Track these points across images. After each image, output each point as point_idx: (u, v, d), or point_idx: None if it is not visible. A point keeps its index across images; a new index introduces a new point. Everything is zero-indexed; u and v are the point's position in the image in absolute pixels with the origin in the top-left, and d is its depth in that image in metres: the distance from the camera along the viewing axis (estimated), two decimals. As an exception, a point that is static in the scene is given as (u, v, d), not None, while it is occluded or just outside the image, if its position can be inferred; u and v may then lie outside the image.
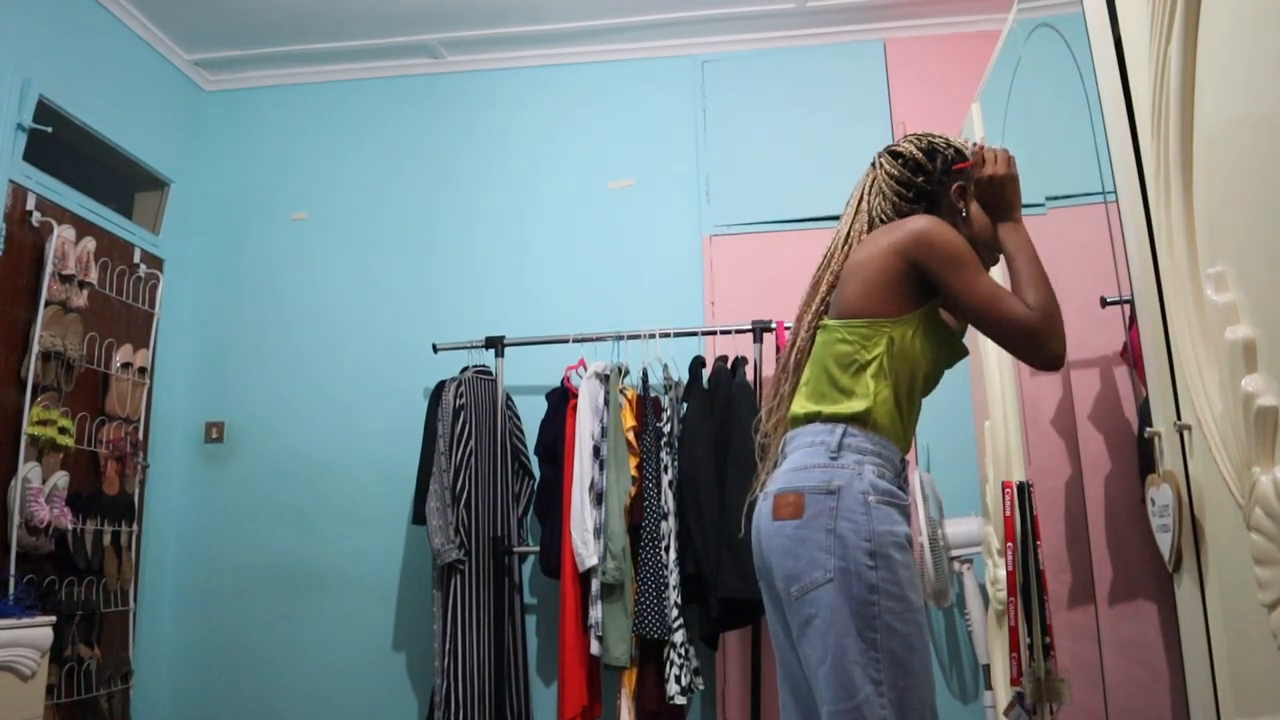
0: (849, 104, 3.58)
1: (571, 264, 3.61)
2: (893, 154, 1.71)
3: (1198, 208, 1.26)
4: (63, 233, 2.94)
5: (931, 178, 1.67)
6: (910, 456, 3.19)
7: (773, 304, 3.21)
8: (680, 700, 2.83)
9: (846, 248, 1.66)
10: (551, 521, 3.13)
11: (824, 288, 1.67)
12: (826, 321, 1.61)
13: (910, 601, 1.44)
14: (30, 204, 2.87)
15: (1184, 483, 1.33)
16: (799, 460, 1.54)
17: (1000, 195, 1.62)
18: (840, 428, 1.52)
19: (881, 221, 1.66)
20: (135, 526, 3.24)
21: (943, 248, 1.52)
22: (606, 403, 3.05)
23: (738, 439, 2.84)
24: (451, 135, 3.78)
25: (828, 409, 1.55)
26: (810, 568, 1.45)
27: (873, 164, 1.74)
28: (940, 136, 1.72)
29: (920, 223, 1.56)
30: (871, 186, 1.71)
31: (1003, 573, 2.22)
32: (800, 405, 1.60)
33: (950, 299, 1.54)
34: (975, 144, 1.71)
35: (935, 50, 3.59)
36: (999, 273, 1.75)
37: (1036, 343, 1.47)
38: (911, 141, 1.71)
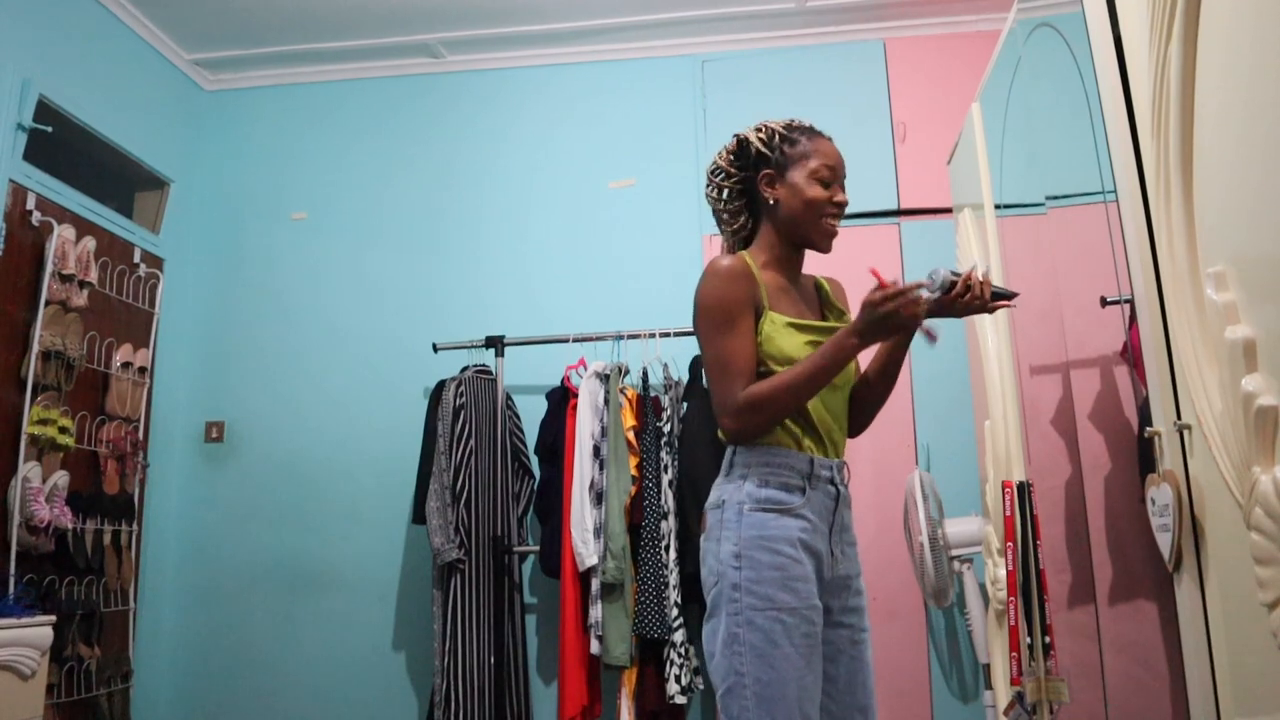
0: (849, 104, 3.58)
1: (571, 264, 3.61)
2: (710, 168, 1.76)
3: (1198, 207, 1.26)
4: (63, 232, 2.93)
5: (740, 177, 1.72)
6: (911, 457, 3.20)
7: (773, 304, 3.20)
8: (680, 700, 2.83)
9: None
10: (551, 521, 3.13)
11: None
12: None
13: (774, 600, 1.52)
14: (30, 203, 2.87)
15: (1184, 482, 1.33)
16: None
17: (874, 318, 1.50)
18: (731, 449, 1.65)
19: (726, 236, 1.77)
20: (135, 526, 3.24)
21: (699, 305, 1.61)
22: (606, 402, 3.05)
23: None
24: (452, 135, 3.78)
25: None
26: (708, 575, 1.60)
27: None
28: (761, 126, 1.71)
29: (703, 274, 1.63)
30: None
31: (1003, 572, 2.22)
32: None
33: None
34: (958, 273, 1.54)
35: (935, 50, 3.59)
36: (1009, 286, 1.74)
37: (720, 415, 1.58)
38: (724, 147, 1.75)
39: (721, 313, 1.58)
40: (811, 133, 1.69)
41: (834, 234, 1.67)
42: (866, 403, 1.73)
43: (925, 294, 1.49)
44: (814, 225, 1.65)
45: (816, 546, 1.58)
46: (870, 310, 1.49)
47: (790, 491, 1.58)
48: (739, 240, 1.75)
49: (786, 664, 1.49)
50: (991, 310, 1.56)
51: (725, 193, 1.73)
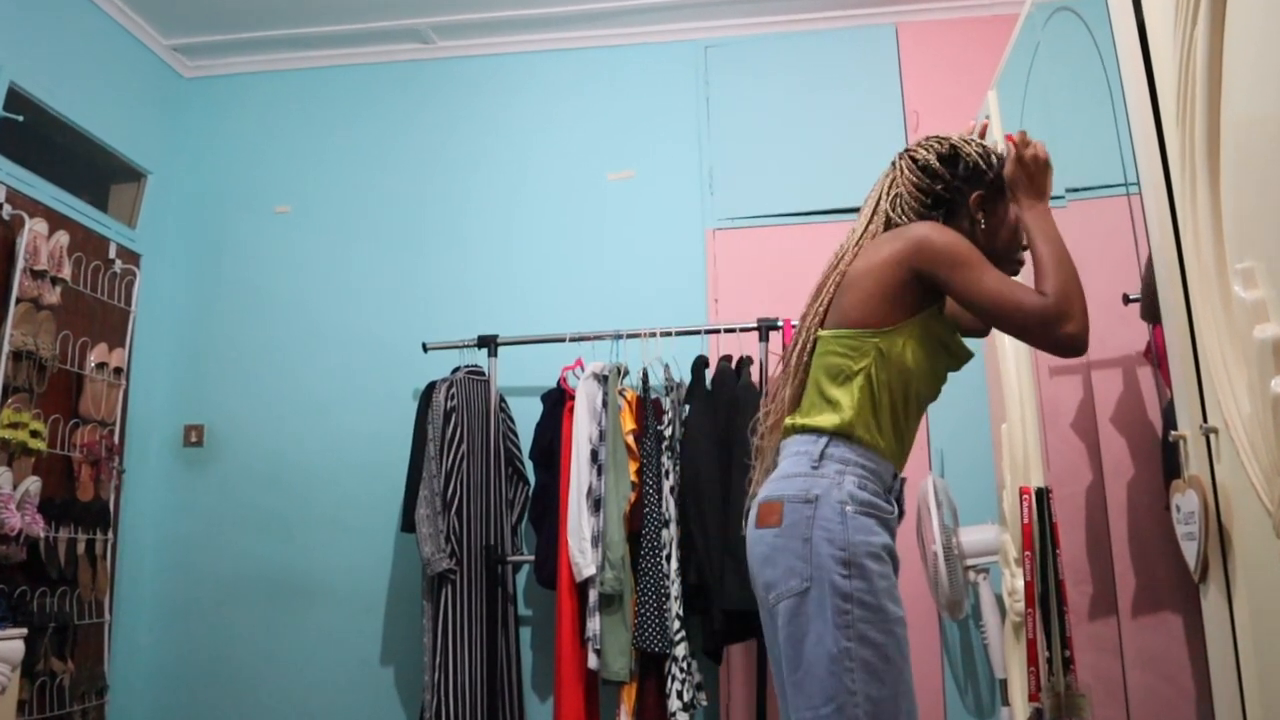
0: (859, 91, 3.58)
1: (568, 259, 3.61)
2: (912, 158, 1.72)
3: (1225, 200, 1.26)
4: (35, 226, 2.94)
5: (950, 185, 1.68)
6: (925, 462, 3.20)
7: (779, 301, 3.21)
8: (682, 716, 2.83)
9: (857, 249, 1.70)
10: (547, 529, 3.13)
11: (828, 290, 1.70)
12: (821, 333, 1.67)
13: (886, 612, 1.49)
14: (0, 196, 2.87)
15: (1210, 488, 1.33)
16: (784, 469, 1.63)
17: (1036, 176, 1.64)
18: (824, 439, 1.60)
19: (900, 224, 1.69)
20: (110, 535, 3.24)
21: (944, 250, 1.57)
22: (605, 405, 3.05)
23: (742, 442, 2.83)
24: (443, 124, 3.78)
25: (814, 421, 1.62)
26: (787, 576, 1.53)
27: (892, 164, 1.76)
28: (967, 139, 1.72)
29: (920, 230, 1.61)
30: (890, 188, 1.73)
31: (1020, 583, 2.22)
32: (791, 417, 1.68)
33: (961, 300, 1.59)
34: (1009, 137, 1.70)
35: (949, 35, 3.59)
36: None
37: (1050, 329, 1.51)
38: (932, 145, 1.72)
39: (971, 253, 1.57)
40: None
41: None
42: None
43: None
44: (1006, 264, 1.69)
45: (898, 556, 1.59)
46: (1039, 165, 1.61)
47: (881, 499, 1.58)
48: None
49: (899, 680, 1.49)
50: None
51: (931, 197, 1.68)
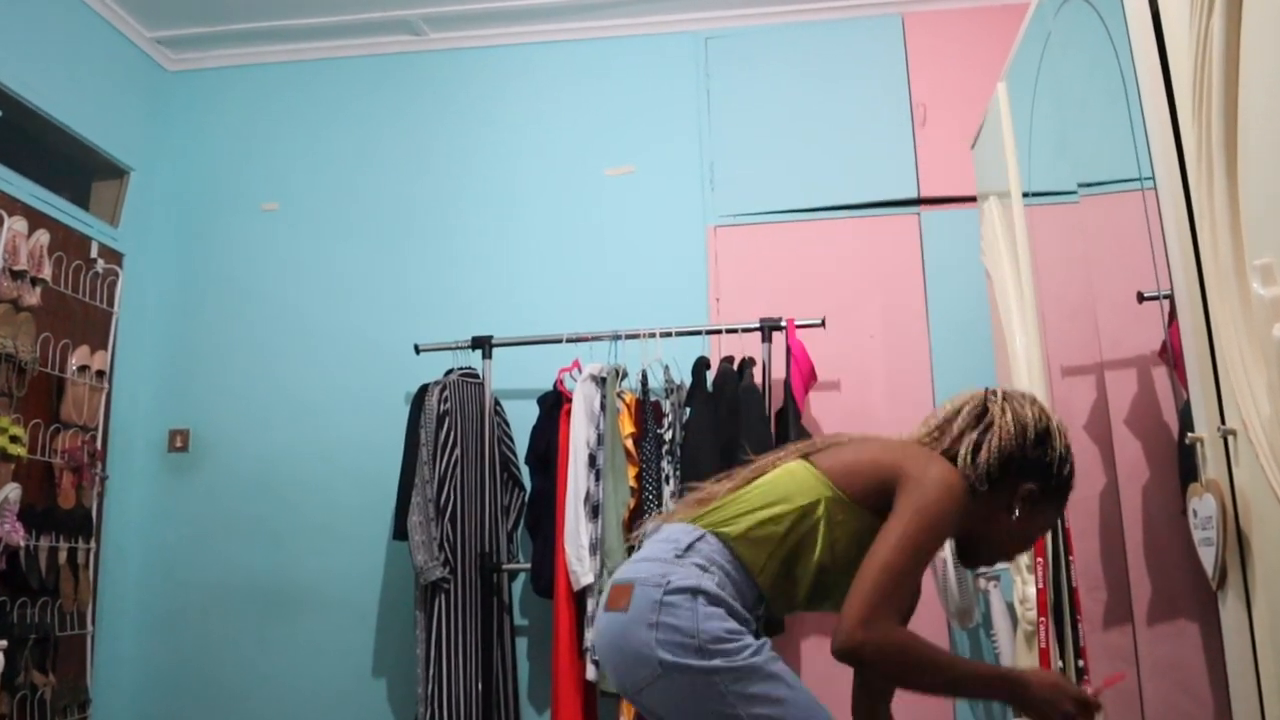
0: (864, 83, 3.58)
1: (565, 258, 3.61)
2: (1017, 416, 1.60)
3: (1242, 194, 1.26)
4: (14, 225, 2.93)
5: (1024, 463, 1.58)
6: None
7: (782, 300, 3.21)
8: (684, 729, 2.82)
9: (900, 443, 1.64)
10: (544, 536, 3.13)
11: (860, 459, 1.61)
12: (838, 494, 1.56)
13: (755, 666, 1.43)
14: (-22, 194, 2.87)
15: (1229, 492, 1.33)
16: (644, 552, 1.57)
17: (1046, 708, 1.53)
18: (700, 532, 1.54)
19: (966, 461, 1.59)
20: (93, 543, 3.23)
21: (928, 484, 1.49)
22: (603, 408, 3.05)
23: (744, 446, 2.84)
24: (435, 118, 3.78)
25: (704, 517, 1.57)
26: (636, 665, 1.46)
27: (988, 400, 1.65)
28: (1060, 433, 1.62)
29: (942, 469, 1.53)
30: (984, 429, 1.61)
31: (1032, 590, 2.22)
32: (698, 516, 1.61)
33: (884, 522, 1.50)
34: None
35: (958, 25, 3.59)
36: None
37: (850, 633, 1.40)
38: (1038, 414, 1.61)
39: (942, 521, 1.48)
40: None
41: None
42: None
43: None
44: (1003, 556, 1.66)
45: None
46: (1052, 701, 1.50)
47: (739, 610, 1.49)
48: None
49: (804, 704, 1.47)
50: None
51: (1012, 464, 1.57)
